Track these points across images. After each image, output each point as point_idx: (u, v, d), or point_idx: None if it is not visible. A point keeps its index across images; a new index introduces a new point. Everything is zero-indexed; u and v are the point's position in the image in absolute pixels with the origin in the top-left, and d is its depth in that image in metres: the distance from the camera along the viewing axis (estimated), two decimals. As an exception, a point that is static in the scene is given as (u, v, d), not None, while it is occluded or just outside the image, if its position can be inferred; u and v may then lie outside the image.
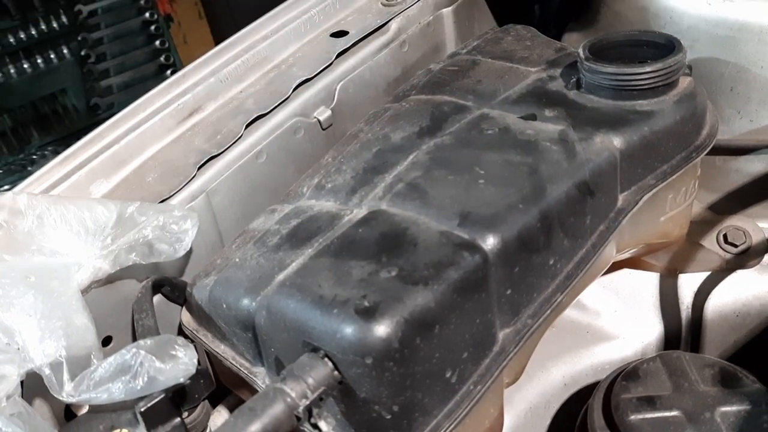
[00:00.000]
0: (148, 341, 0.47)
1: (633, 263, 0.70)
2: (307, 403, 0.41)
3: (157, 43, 2.44)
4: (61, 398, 0.46)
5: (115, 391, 0.45)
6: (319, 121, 0.71)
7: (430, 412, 0.45)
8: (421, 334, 0.43)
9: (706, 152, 0.59)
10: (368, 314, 0.42)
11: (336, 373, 0.43)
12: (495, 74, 0.66)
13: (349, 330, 0.42)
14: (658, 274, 0.70)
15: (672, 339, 0.69)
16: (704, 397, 0.55)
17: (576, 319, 0.70)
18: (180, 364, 0.46)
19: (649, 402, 0.55)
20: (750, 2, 0.62)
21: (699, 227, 0.69)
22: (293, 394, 0.41)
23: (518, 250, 0.48)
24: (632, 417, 0.54)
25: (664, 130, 0.56)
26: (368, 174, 0.56)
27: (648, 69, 0.56)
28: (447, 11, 0.82)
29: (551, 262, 0.51)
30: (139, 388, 0.45)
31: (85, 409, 0.54)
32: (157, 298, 0.61)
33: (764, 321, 0.67)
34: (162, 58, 2.42)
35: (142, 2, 2.40)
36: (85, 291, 0.55)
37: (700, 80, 0.65)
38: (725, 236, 0.68)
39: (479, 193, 0.51)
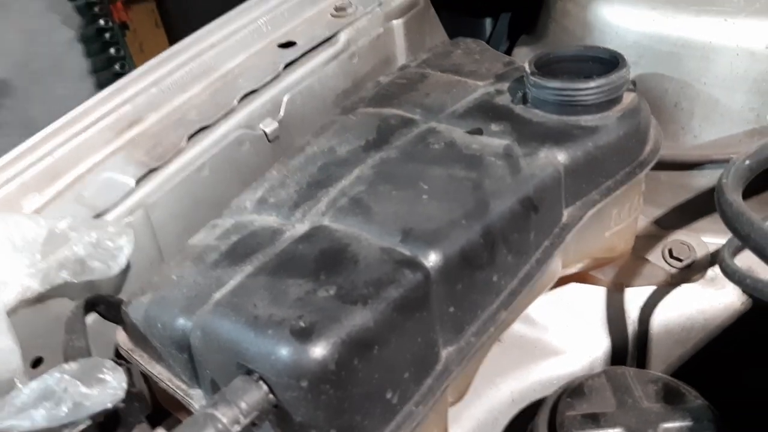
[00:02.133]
0: (74, 365, 0.45)
1: (580, 278, 0.70)
2: (239, 429, 0.40)
3: (112, 50, 2.40)
4: (-22, 426, 0.43)
5: (38, 418, 0.43)
6: (265, 133, 0.69)
7: (370, 435, 0.44)
8: (360, 354, 0.41)
9: (649, 168, 0.59)
10: (304, 335, 0.41)
11: (271, 396, 0.41)
12: (443, 88, 0.66)
13: (283, 351, 0.40)
14: (605, 288, 0.70)
15: (619, 353, 0.69)
16: (647, 413, 0.54)
17: (524, 334, 0.70)
18: (108, 388, 0.44)
19: (593, 419, 0.55)
20: (693, 19, 0.63)
21: (645, 242, 0.70)
22: (225, 420, 0.40)
23: (461, 266, 0.48)
24: (577, 434, 0.54)
25: (608, 145, 0.56)
26: (312, 188, 0.55)
27: (592, 84, 0.56)
28: (397, 23, 0.81)
29: (495, 279, 0.50)
30: (63, 414, 0.43)
31: (8, 437, 0.51)
32: (94, 318, 0.58)
33: (708, 335, 0.67)
34: (117, 66, 2.37)
35: (96, 9, 2.35)
36: (12, 311, 0.52)
37: (645, 96, 0.65)
38: (670, 251, 0.69)
39: (422, 208, 0.50)
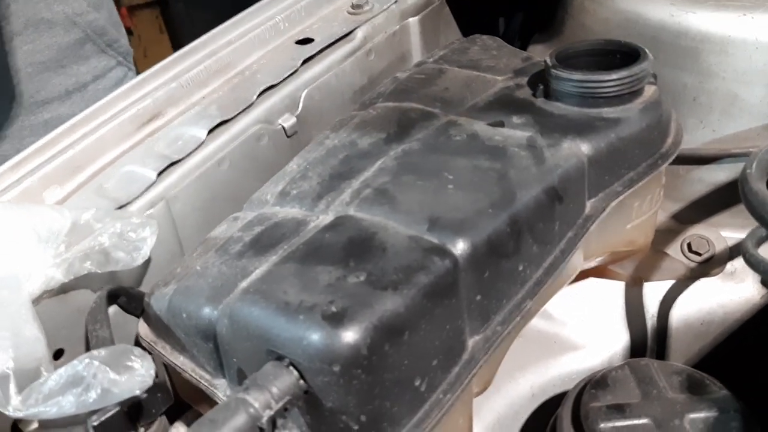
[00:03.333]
0: (102, 351, 0.44)
1: (599, 272, 0.70)
2: (271, 413, 0.40)
3: (117, 55, 2.40)
4: (7, 413, 0.43)
5: (66, 405, 0.43)
6: (283, 128, 0.69)
7: (398, 422, 0.44)
8: (391, 340, 0.41)
9: (671, 159, 0.59)
10: (335, 320, 0.40)
11: (302, 382, 0.41)
12: (462, 82, 0.66)
13: (315, 336, 0.40)
14: (624, 283, 0.70)
15: (638, 347, 0.69)
16: (673, 404, 0.54)
17: (543, 329, 0.70)
18: (136, 375, 0.44)
19: (618, 410, 0.54)
20: (712, 13, 0.63)
21: (663, 236, 0.70)
22: (256, 405, 0.39)
23: (488, 255, 0.47)
24: (602, 425, 0.54)
25: (630, 137, 0.57)
26: (334, 180, 0.55)
27: (614, 76, 0.56)
28: (413, 21, 0.81)
29: (521, 268, 0.50)
30: (91, 401, 0.43)
31: (34, 425, 0.51)
32: (114, 310, 0.58)
33: (727, 329, 0.67)
34: (121, 72, 2.37)
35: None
36: (36, 301, 0.52)
37: (664, 90, 0.65)
38: (689, 245, 0.69)
39: (448, 198, 0.50)
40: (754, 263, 0.54)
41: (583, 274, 0.70)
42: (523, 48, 0.87)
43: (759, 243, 0.56)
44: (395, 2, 0.80)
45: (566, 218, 0.54)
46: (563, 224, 0.54)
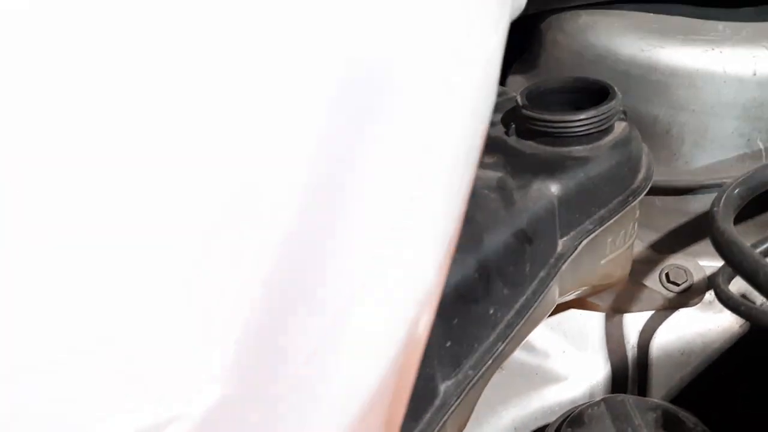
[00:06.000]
0: None
1: (580, 303, 0.70)
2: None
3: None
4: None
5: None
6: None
7: (370, 472, 0.44)
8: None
9: (642, 195, 0.60)
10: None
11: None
12: (437, 120, 0.67)
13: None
14: (605, 314, 0.71)
15: (619, 378, 0.69)
16: (647, 441, 0.55)
17: (525, 361, 0.70)
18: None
19: (594, 448, 0.55)
20: (680, 48, 0.64)
21: (642, 267, 0.70)
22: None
23: (457, 301, 0.48)
24: (578, 463, 0.54)
25: (600, 175, 0.57)
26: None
27: (582, 116, 0.57)
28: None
29: (491, 312, 0.51)
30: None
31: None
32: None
33: (707, 358, 0.68)
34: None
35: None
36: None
37: (637, 123, 0.66)
38: (667, 275, 0.69)
39: (418, 244, 0.51)
40: (724, 299, 0.55)
41: (564, 306, 0.71)
42: (503, 77, 0.88)
43: (729, 279, 0.56)
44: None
45: (537, 259, 0.55)
46: (534, 265, 0.55)
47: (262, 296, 0.20)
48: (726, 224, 0.51)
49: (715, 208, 0.53)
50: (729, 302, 0.53)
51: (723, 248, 0.50)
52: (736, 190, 0.52)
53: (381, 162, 0.23)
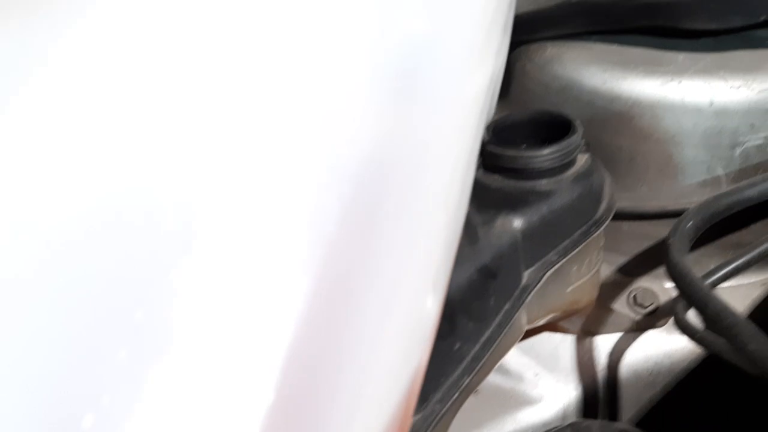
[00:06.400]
0: None
1: (551, 326, 0.72)
2: None
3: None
4: None
5: None
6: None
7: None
8: None
9: (604, 226, 0.62)
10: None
11: None
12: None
13: None
14: (575, 336, 0.73)
15: (591, 399, 0.71)
16: (611, 466, 0.57)
17: (500, 385, 0.72)
18: None
19: (560, 474, 0.57)
20: (641, 80, 0.66)
21: (610, 289, 0.72)
22: None
23: (422, 339, 0.50)
24: (546, 488, 0.56)
25: (563, 208, 0.59)
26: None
27: (545, 152, 0.59)
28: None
29: (456, 347, 0.53)
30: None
31: None
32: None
33: (674, 378, 0.70)
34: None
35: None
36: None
37: (601, 151, 0.68)
38: (635, 298, 0.72)
39: (384, 282, 0.53)
40: (683, 327, 0.57)
41: (537, 329, 0.73)
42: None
43: (688, 307, 0.58)
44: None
45: (502, 292, 0.57)
46: (499, 298, 0.57)
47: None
48: (679, 256, 0.53)
49: (669, 240, 0.55)
50: (686, 329, 0.56)
51: (676, 280, 0.52)
52: (689, 224, 0.54)
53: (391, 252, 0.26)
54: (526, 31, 0.72)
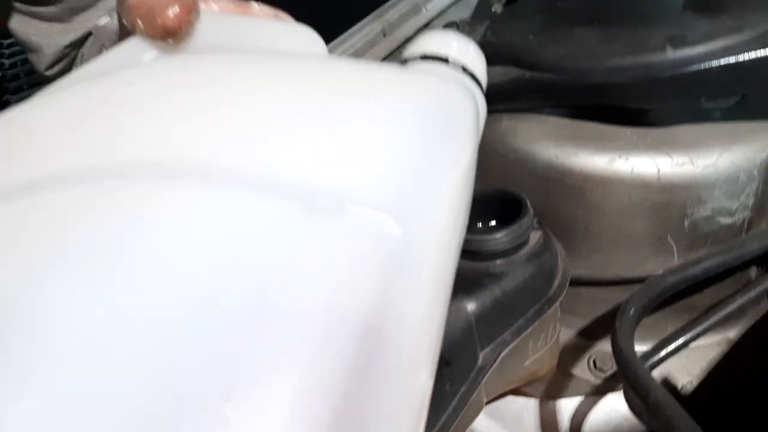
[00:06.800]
0: None
1: (515, 390, 0.74)
2: None
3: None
4: None
5: None
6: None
7: None
8: None
9: (558, 302, 0.64)
10: None
11: None
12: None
13: None
14: (539, 400, 0.75)
15: (555, 462, 0.74)
16: None
17: (466, 449, 0.74)
18: None
19: None
20: (591, 155, 0.69)
21: (570, 354, 0.75)
22: None
23: None
24: None
25: (516, 288, 0.62)
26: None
27: (498, 235, 0.61)
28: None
29: (412, 436, 0.55)
30: None
31: None
32: None
33: (634, 441, 0.72)
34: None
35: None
36: None
37: (557, 222, 0.71)
38: (594, 362, 0.74)
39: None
40: (630, 404, 0.59)
41: (502, 393, 0.75)
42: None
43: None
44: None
45: (456, 377, 0.59)
46: (454, 383, 0.59)
47: None
48: (624, 342, 0.55)
49: (617, 323, 0.57)
50: (632, 407, 0.58)
51: (620, 366, 0.54)
52: (633, 309, 0.57)
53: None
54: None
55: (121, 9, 0.47)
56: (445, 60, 0.51)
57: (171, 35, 0.43)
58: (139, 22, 0.44)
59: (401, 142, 0.37)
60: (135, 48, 0.44)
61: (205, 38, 0.46)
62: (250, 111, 0.36)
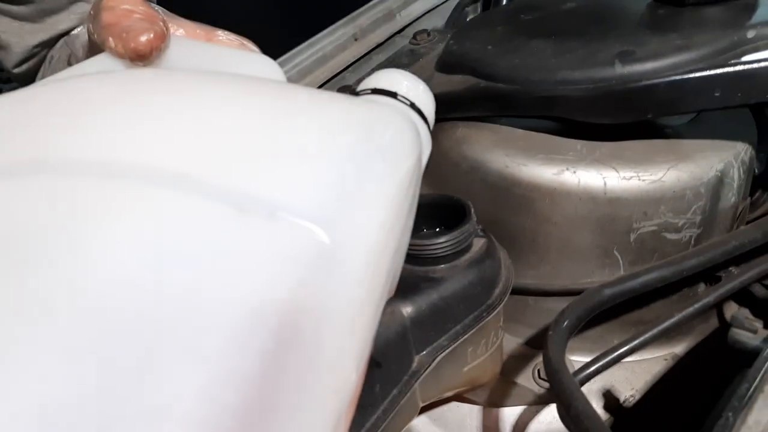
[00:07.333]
0: None
1: (459, 396, 0.75)
2: None
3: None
4: None
5: None
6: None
7: None
8: None
9: (498, 309, 0.65)
10: None
11: None
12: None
13: None
14: (482, 407, 0.75)
15: (495, 470, 0.74)
16: None
17: (409, 453, 0.75)
18: None
19: None
20: (539, 167, 0.69)
21: (515, 362, 0.75)
22: None
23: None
24: None
25: (454, 294, 0.62)
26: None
27: (439, 240, 0.62)
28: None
29: (338, 435, 0.55)
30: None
31: None
32: None
33: (574, 452, 0.72)
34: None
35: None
36: None
37: (505, 232, 0.71)
38: (539, 372, 0.74)
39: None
40: (561, 416, 0.59)
41: (447, 399, 0.75)
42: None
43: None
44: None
45: (388, 379, 0.59)
46: (385, 385, 0.59)
47: None
48: (554, 351, 0.56)
49: (549, 334, 0.57)
50: (563, 418, 0.58)
51: (549, 377, 0.55)
52: (564, 324, 0.57)
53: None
54: (440, 111, 0.75)
55: (95, 25, 0.48)
56: (393, 95, 0.52)
57: (141, 59, 0.45)
58: (111, 41, 0.45)
59: (335, 158, 0.38)
60: (104, 64, 0.46)
61: (171, 61, 0.48)
62: (198, 121, 0.37)
